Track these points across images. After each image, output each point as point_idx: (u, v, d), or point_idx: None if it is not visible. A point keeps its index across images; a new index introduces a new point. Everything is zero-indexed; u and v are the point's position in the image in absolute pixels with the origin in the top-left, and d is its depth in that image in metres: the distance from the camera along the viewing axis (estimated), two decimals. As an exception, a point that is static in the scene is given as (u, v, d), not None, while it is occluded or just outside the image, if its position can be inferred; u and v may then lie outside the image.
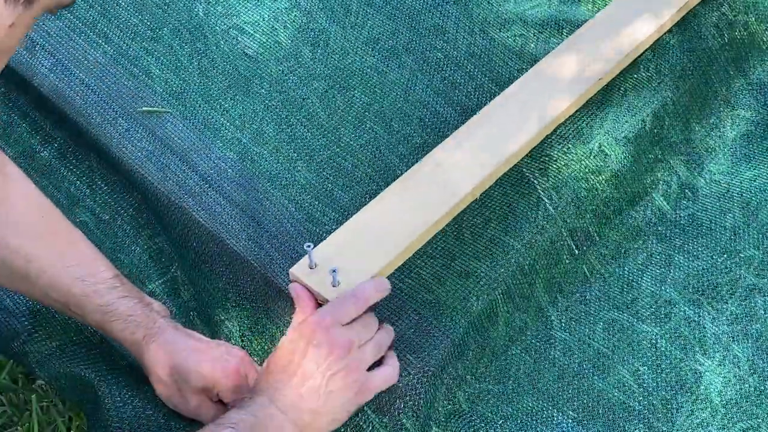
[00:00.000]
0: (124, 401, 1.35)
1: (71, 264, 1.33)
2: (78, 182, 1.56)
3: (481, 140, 1.52)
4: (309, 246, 1.34)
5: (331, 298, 1.33)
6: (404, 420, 1.34)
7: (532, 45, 1.70)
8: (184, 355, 1.31)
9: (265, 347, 1.39)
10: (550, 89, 1.58)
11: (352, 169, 1.57)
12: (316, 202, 1.53)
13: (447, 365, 1.39)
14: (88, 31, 1.68)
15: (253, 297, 1.44)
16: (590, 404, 1.38)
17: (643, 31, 1.64)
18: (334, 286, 1.34)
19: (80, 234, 1.38)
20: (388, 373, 1.33)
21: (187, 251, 1.48)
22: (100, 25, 1.69)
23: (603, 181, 1.55)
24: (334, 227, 1.48)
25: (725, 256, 1.51)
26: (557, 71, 1.61)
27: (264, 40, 1.70)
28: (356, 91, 1.66)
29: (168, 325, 1.34)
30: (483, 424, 1.35)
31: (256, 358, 1.39)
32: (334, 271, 1.34)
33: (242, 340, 1.42)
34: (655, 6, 1.68)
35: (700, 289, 1.48)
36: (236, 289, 1.44)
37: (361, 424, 1.33)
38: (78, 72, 1.63)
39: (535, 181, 1.53)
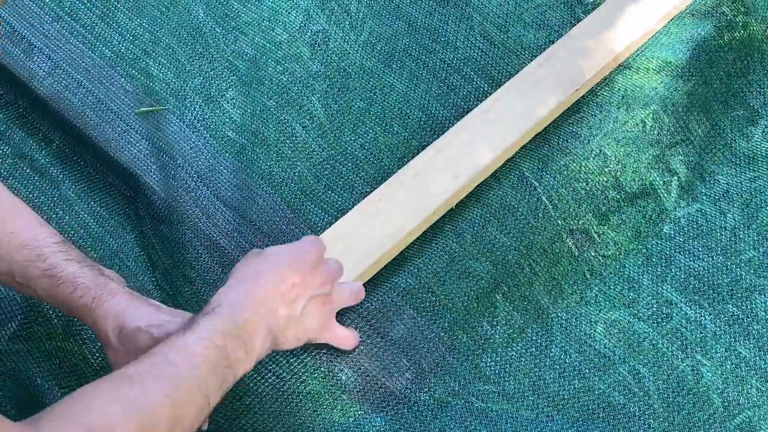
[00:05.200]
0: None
1: (13, 230, 1.28)
2: (77, 183, 1.56)
3: (459, 150, 1.55)
4: None
5: None
6: (402, 418, 1.34)
7: (531, 48, 1.70)
8: (134, 316, 1.25)
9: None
10: (530, 98, 1.60)
11: (350, 171, 1.57)
12: (312, 205, 1.53)
13: (446, 365, 1.39)
14: (87, 34, 1.68)
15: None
16: (590, 405, 1.37)
17: (625, 40, 1.67)
18: None
19: (25, 205, 1.32)
20: (349, 334, 1.37)
21: (182, 251, 1.48)
22: (98, 28, 1.69)
23: (603, 182, 1.55)
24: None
25: (725, 256, 1.51)
26: (537, 80, 1.62)
27: (263, 42, 1.70)
28: (355, 93, 1.66)
29: (120, 290, 1.28)
30: (482, 425, 1.35)
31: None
32: None
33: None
34: (641, 13, 1.70)
35: (700, 289, 1.48)
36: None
37: (360, 422, 1.33)
38: (76, 74, 1.63)
39: (535, 182, 1.53)
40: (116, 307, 1.26)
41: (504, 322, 1.44)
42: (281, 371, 1.37)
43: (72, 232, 1.51)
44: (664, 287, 1.48)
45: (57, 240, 1.29)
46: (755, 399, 1.37)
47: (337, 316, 1.40)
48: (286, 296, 1.27)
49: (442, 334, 1.41)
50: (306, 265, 1.30)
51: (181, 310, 1.33)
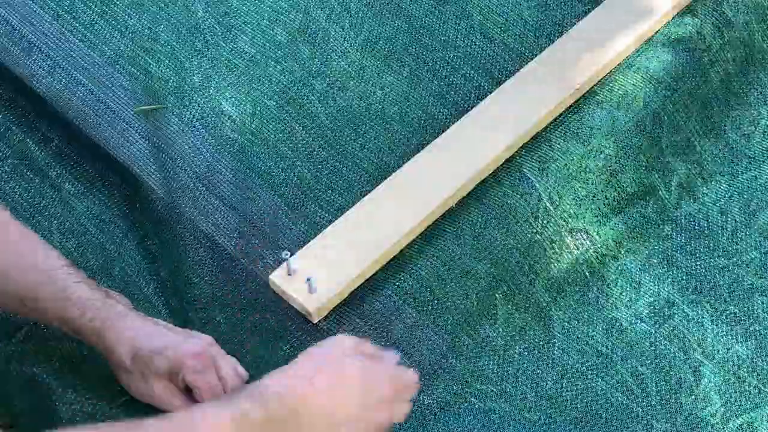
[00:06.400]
0: (80, 401, 1.32)
1: (22, 252, 1.29)
2: (76, 183, 1.56)
3: (458, 149, 1.55)
4: (287, 254, 1.40)
5: (308, 305, 1.39)
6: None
7: (531, 46, 1.70)
8: (146, 339, 1.25)
9: (256, 352, 1.39)
10: (531, 97, 1.60)
11: (350, 171, 1.57)
12: (312, 204, 1.53)
13: (446, 365, 1.39)
14: (86, 32, 1.68)
15: (245, 298, 1.45)
16: (592, 405, 1.37)
17: (622, 42, 1.67)
18: (311, 293, 1.40)
19: (30, 230, 1.33)
20: None
21: (182, 251, 1.48)
22: (98, 26, 1.69)
23: (603, 181, 1.55)
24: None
25: (725, 256, 1.51)
26: (535, 80, 1.63)
27: (263, 41, 1.70)
28: (355, 92, 1.66)
29: (129, 312, 1.28)
30: (481, 426, 1.35)
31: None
32: (309, 279, 1.40)
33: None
34: (641, 13, 1.70)
35: (700, 289, 1.48)
36: (227, 291, 1.45)
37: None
38: (75, 73, 1.63)
39: (535, 181, 1.53)
40: (127, 331, 1.25)
41: (504, 322, 1.44)
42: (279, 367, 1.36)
43: (71, 233, 1.51)
44: (664, 287, 1.48)
45: (65, 263, 1.30)
46: (756, 399, 1.37)
47: (337, 313, 1.41)
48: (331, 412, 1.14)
49: (443, 334, 1.41)
50: (378, 397, 1.17)
51: (190, 329, 1.34)
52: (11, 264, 1.28)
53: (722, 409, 1.37)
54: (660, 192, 1.57)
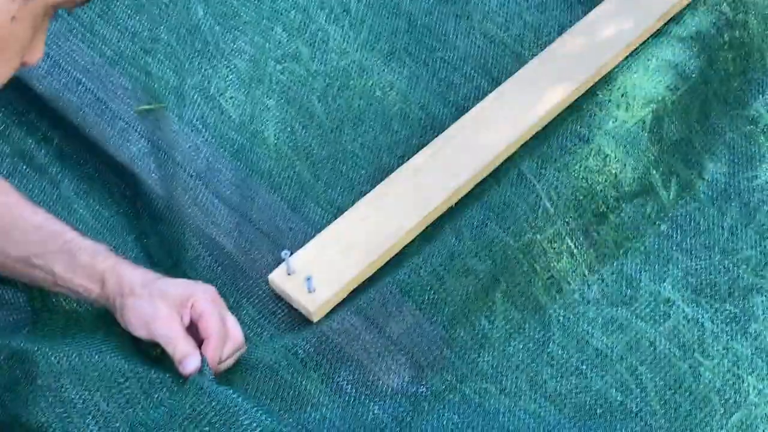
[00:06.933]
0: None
1: (24, 216, 1.33)
2: (76, 182, 1.56)
3: (458, 148, 1.56)
4: (286, 253, 1.41)
5: (308, 305, 1.40)
6: (399, 407, 1.33)
7: (531, 46, 1.70)
8: (158, 277, 1.31)
9: (254, 352, 1.39)
10: (530, 96, 1.61)
11: (350, 170, 1.58)
12: (312, 203, 1.54)
13: (444, 361, 1.39)
14: (86, 32, 1.69)
15: (244, 297, 1.45)
16: (588, 402, 1.37)
17: (621, 41, 1.67)
18: (310, 292, 1.41)
19: (25, 196, 1.38)
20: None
21: (182, 250, 1.48)
22: (97, 26, 1.69)
23: (603, 181, 1.55)
24: (329, 228, 1.50)
25: (723, 255, 1.51)
26: (535, 80, 1.63)
27: (263, 41, 1.70)
28: (355, 92, 1.66)
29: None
30: (479, 417, 1.35)
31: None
32: (308, 279, 1.40)
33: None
34: (641, 12, 1.70)
35: (698, 288, 1.48)
36: (226, 290, 1.44)
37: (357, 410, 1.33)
38: (75, 72, 1.64)
39: (535, 180, 1.53)
40: (140, 269, 1.31)
41: (503, 318, 1.44)
42: (278, 364, 1.37)
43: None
44: (662, 286, 1.48)
45: (65, 222, 1.35)
46: (753, 398, 1.37)
47: (336, 312, 1.41)
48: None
49: (442, 332, 1.41)
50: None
51: None
52: (13, 226, 1.32)
53: (719, 408, 1.36)
54: (659, 191, 1.57)
